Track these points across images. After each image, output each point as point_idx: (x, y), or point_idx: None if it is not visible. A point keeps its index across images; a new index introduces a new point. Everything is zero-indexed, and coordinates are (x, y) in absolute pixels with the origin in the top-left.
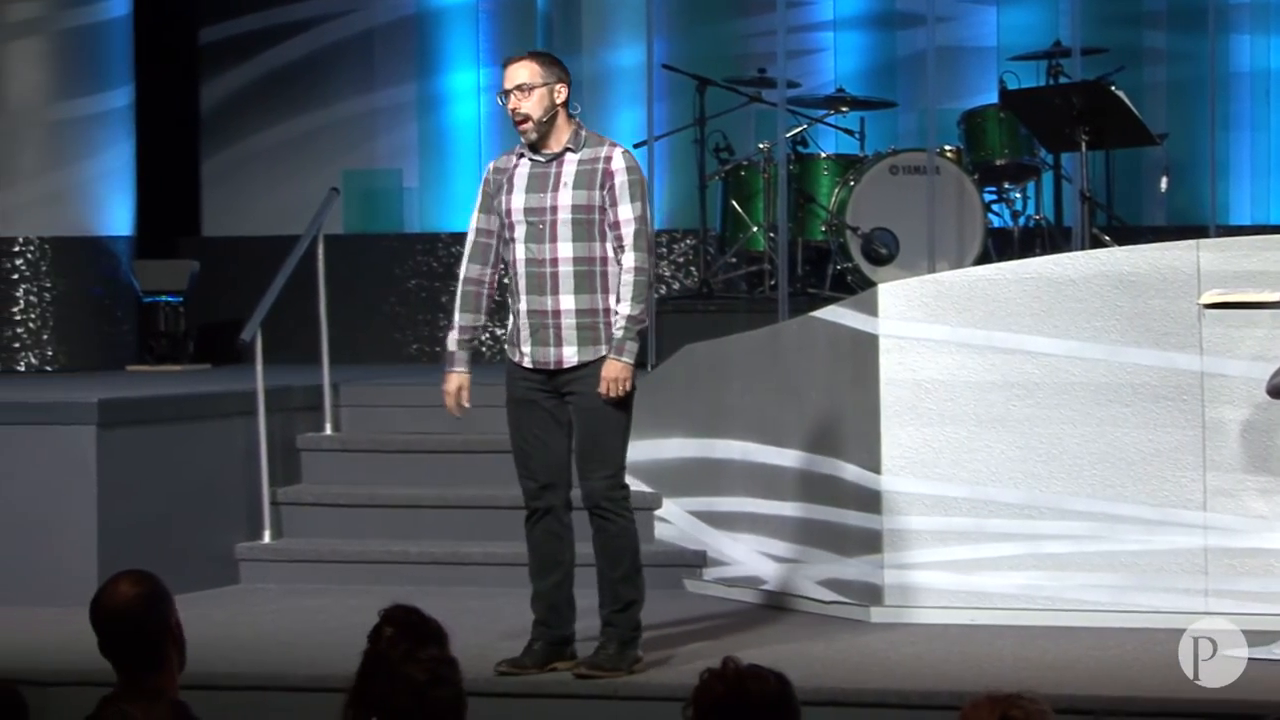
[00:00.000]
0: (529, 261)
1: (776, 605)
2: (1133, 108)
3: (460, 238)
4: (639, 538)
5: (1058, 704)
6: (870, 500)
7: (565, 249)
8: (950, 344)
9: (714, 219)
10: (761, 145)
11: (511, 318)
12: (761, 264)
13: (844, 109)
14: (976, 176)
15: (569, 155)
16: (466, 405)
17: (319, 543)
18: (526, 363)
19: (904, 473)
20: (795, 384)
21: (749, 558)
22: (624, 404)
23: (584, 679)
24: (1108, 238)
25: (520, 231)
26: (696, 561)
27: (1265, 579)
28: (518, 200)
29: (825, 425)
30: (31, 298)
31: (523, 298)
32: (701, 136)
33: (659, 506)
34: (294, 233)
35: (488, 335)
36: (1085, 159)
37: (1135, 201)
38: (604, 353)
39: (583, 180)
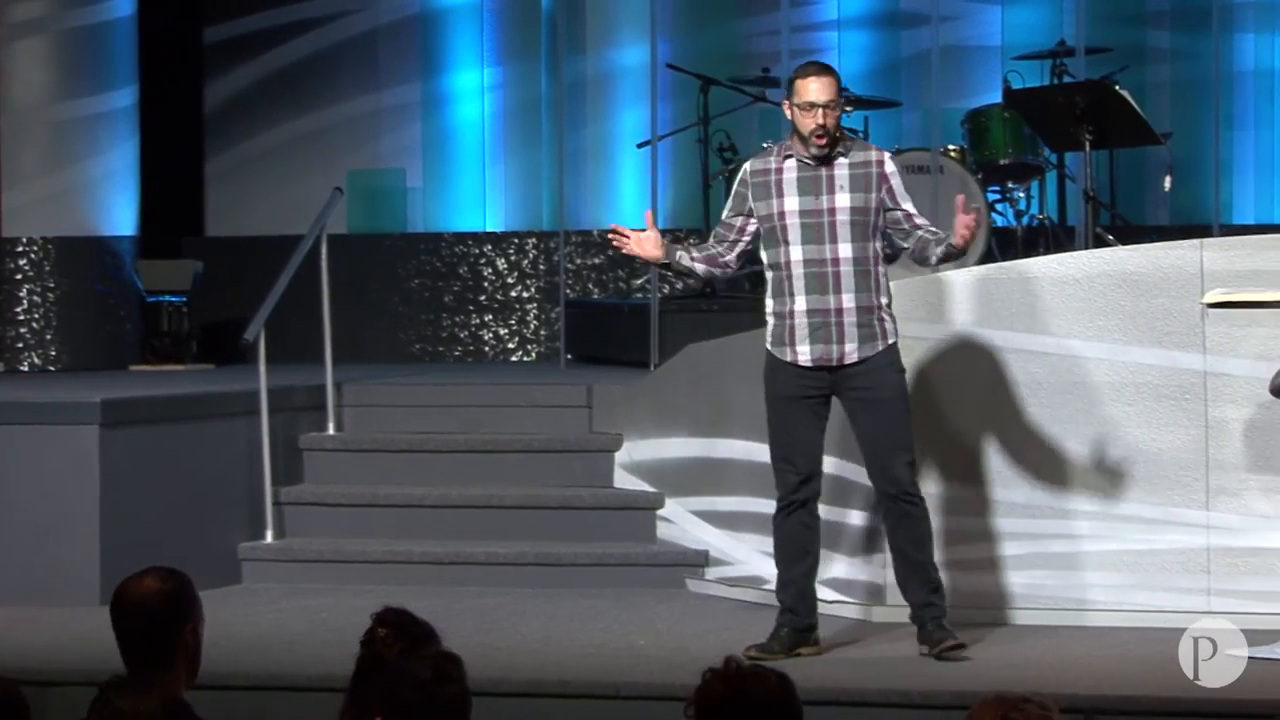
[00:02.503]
0: (808, 262)
1: (778, 605)
2: (1136, 107)
3: (463, 238)
4: None
5: (1059, 704)
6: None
7: (845, 249)
8: (953, 343)
9: (717, 218)
10: (765, 145)
11: (774, 319)
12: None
13: (848, 108)
14: (980, 176)
15: (838, 159)
16: (636, 230)
17: (321, 542)
18: (804, 361)
19: None
20: None
21: (751, 557)
22: (906, 392)
23: (954, 649)
24: (1111, 237)
25: (795, 234)
26: (699, 561)
27: (1268, 578)
28: (790, 203)
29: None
30: (35, 298)
31: (799, 297)
32: (705, 136)
33: (661, 506)
34: (297, 232)
35: (491, 335)
36: (1089, 158)
37: (1139, 201)
38: (879, 348)
39: (859, 184)
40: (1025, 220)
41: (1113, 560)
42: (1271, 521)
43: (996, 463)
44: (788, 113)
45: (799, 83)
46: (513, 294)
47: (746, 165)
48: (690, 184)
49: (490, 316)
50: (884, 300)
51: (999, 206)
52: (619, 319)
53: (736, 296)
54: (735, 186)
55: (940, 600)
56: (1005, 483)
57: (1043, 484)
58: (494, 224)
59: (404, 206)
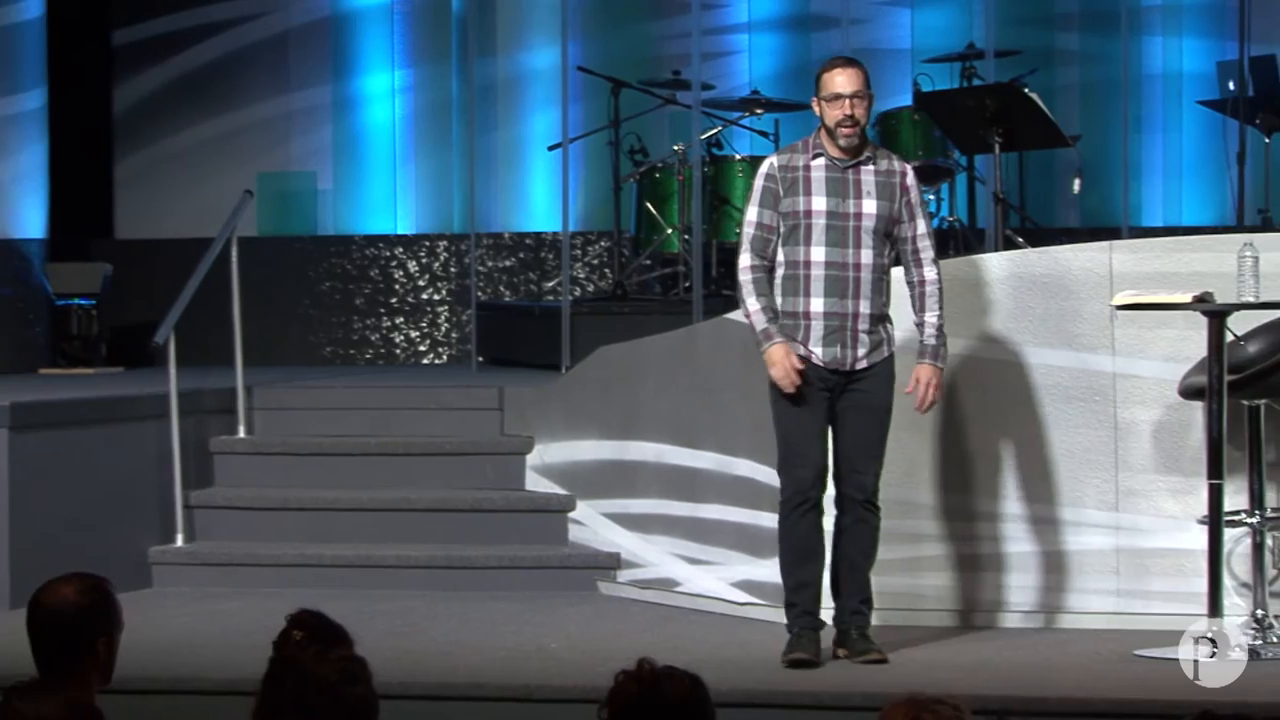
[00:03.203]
0: (829, 264)
1: (690, 607)
2: (1045, 109)
3: (374, 240)
4: None
5: (970, 705)
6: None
7: (867, 256)
8: None
9: (628, 221)
10: (676, 147)
11: (785, 318)
12: (676, 266)
13: (759, 111)
14: None
15: (865, 165)
16: (801, 367)
17: (232, 546)
18: (817, 361)
19: None
20: (709, 386)
21: (663, 560)
22: (892, 404)
23: (876, 662)
24: (1021, 239)
25: (819, 234)
26: (610, 564)
27: (1176, 579)
28: (818, 202)
29: (739, 427)
30: None
31: (817, 298)
32: (616, 139)
33: (573, 509)
34: (208, 235)
35: (402, 338)
36: (999, 161)
37: (1048, 203)
38: (884, 355)
39: (884, 192)
40: (935, 223)
41: (1023, 562)
42: (1180, 522)
43: (908, 465)
44: (816, 110)
45: (825, 76)
46: (424, 297)
47: (772, 160)
48: (601, 186)
49: (401, 319)
50: (889, 310)
51: None
52: (530, 321)
53: (648, 299)
54: (761, 183)
55: (868, 610)
56: (917, 485)
57: (952, 486)
58: (405, 227)
59: (314, 209)
